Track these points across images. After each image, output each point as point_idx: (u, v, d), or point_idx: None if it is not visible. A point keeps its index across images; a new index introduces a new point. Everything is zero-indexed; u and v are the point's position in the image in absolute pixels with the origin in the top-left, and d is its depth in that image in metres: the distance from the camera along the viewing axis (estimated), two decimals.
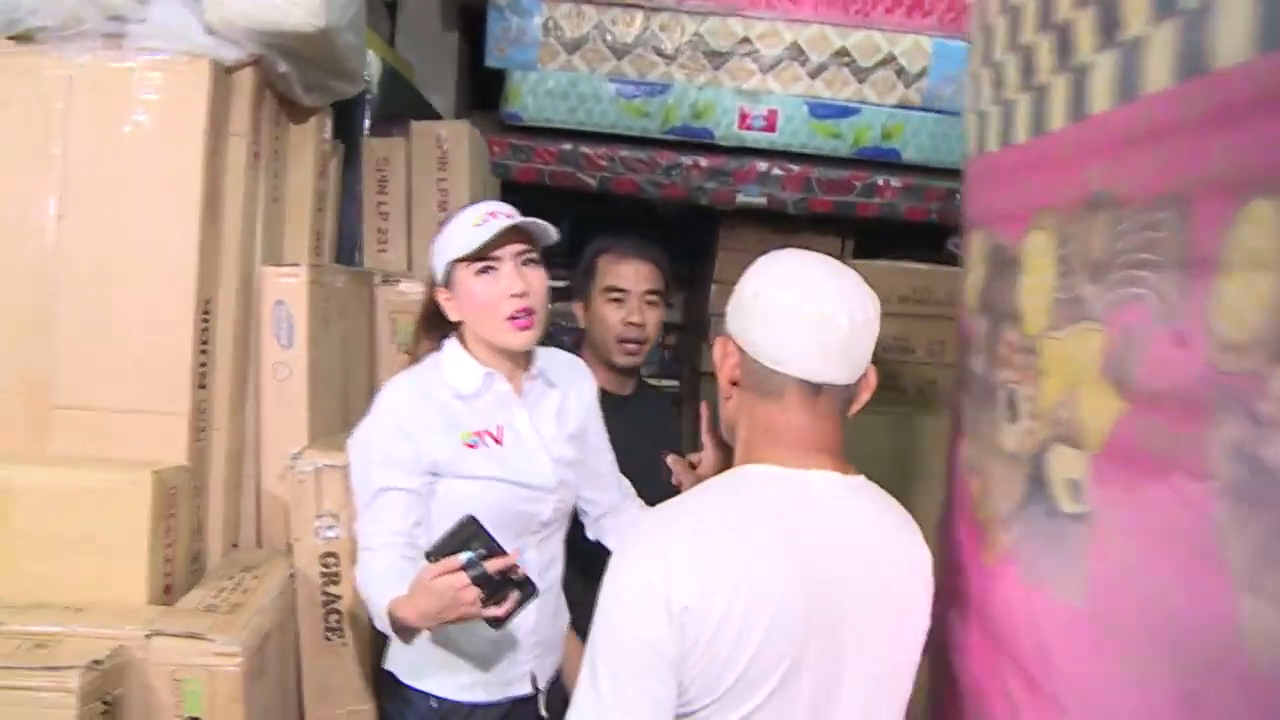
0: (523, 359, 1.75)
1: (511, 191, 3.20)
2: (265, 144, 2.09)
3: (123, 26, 1.85)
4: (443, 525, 1.51)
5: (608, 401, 1.99)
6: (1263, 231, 0.80)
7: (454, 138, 2.65)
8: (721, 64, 3.23)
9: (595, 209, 3.54)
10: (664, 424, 2.32)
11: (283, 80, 2.07)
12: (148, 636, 1.58)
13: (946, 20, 3.20)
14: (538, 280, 1.68)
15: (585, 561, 1.85)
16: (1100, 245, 1.09)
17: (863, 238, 3.69)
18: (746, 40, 3.22)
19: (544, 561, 1.76)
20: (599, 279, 2.20)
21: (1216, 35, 0.86)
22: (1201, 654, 0.91)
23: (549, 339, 1.79)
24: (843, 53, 3.22)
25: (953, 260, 3.38)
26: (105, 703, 1.49)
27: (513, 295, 1.64)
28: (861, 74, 3.24)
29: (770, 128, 3.24)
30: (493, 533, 1.47)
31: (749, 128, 3.26)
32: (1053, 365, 1.21)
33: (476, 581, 1.42)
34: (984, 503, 1.44)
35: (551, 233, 1.69)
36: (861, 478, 1.29)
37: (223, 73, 1.91)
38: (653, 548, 1.19)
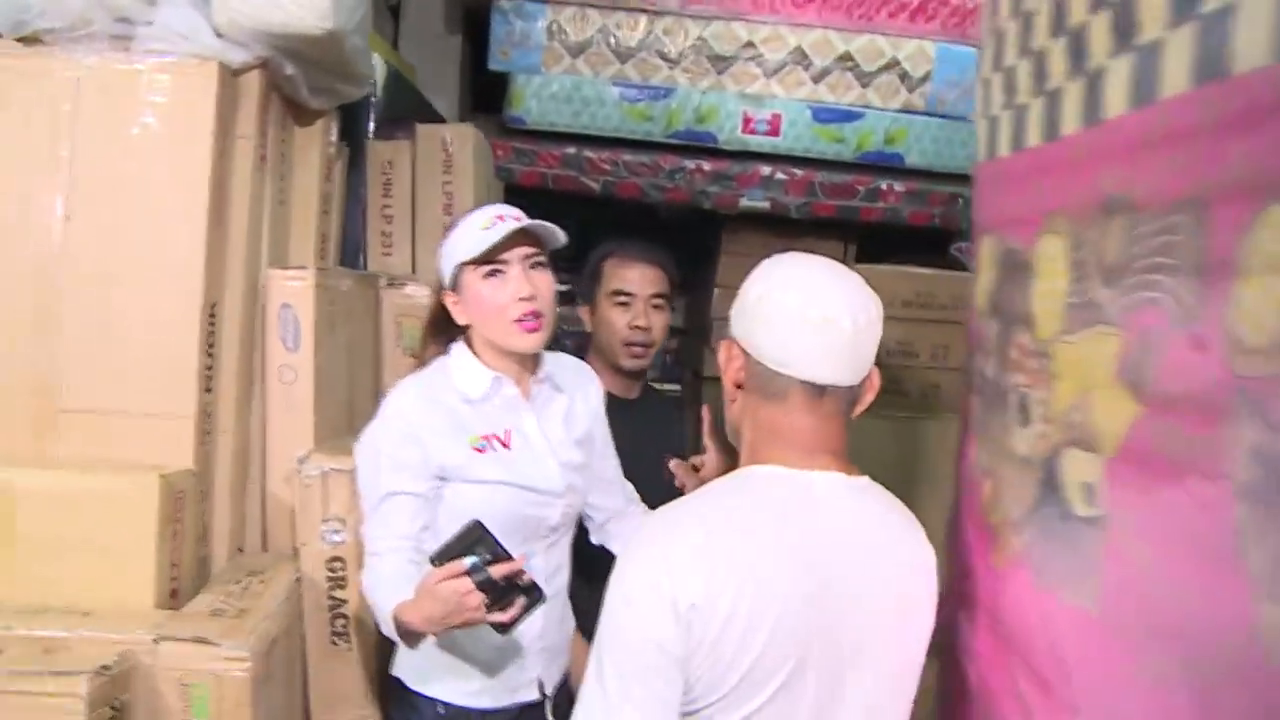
0: (530, 363, 1.74)
1: (515, 195, 3.20)
2: (271, 146, 2.09)
3: (130, 28, 1.85)
4: (449, 530, 1.50)
5: (613, 405, 1.98)
6: None
7: (459, 141, 2.65)
8: (725, 68, 3.23)
9: (597, 213, 3.54)
10: (669, 428, 2.31)
11: (289, 83, 2.07)
12: (155, 641, 1.58)
13: (950, 25, 3.20)
14: (545, 283, 1.68)
15: (590, 566, 1.84)
16: (1115, 249, 1.09)
17: (865, 242, 3.70)
18: (750, 44, 3.22)
19: (551, 567, 1.75)
20: (605, 283, 2.20)
21: (1236, 39, 0.86)
22: (1219, 658, 0.91)
23: (551, 343, 1.79)
24: (846, 57, 3.22)
25: (956, 265, 3.39)
26: (113, 708, 1.49)
27: (520, 298, 1.64)
28: (865, 79, 3.24)
29: (774, 132, 3.25)
30: (500, 537, 1.46)
31: (752, 132, 3.26)
32: (1066, 369, 1.21)
33: (481, 586, 1.40)
34: (995, 506, 1.44)
35: (559, 236, 1.69)
36: (866, 478, 1.30)
37: (230, 75, 1.91)
38: (658, 547, 1.19)
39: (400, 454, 1.62)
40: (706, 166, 3.33)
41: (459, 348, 1.73)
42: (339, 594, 1.93)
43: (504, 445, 1.68)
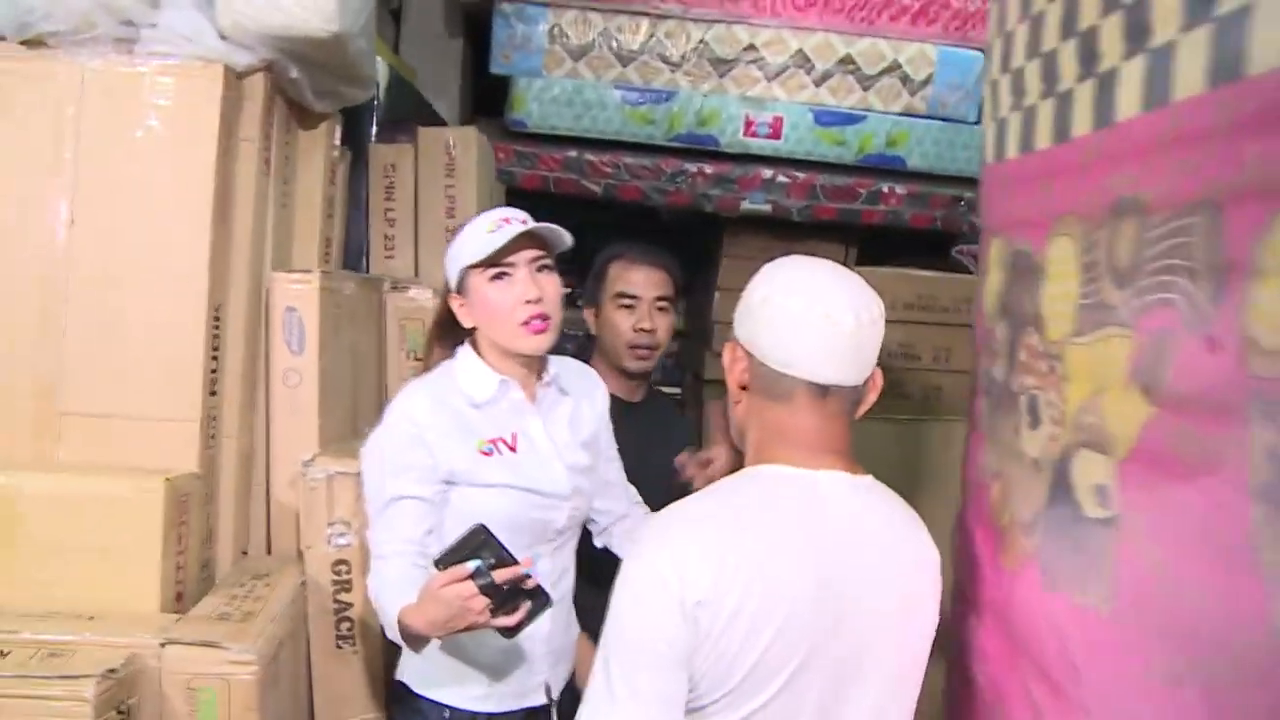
0: (536, 366, 1.74)
1: (516, 198, 3.20)
2: (275, 149, 2.09)
3: (134, 31, 1.85)
4: (455, 534, 1.49)
5: (618, 408, 1.98)
6: None
7: (462, 144, 2.65)
8: (727, 71, 3.24)
9: (598, 216, 3.54)
10: (674, 430, 2.31)
11: (294, 86, 2.07)
12: (162, 645, 1.57)
13: (951, 28, 3.21)
14: (552, 286, 1.68)
15: (595, 569, 1.84)
16: (1127, 251, 1.09)
17: (867, 245, 3.70)
18: (752, 47, 3.22)
19: (557, 570, 1.75)
20: (610, 285, 2.19)
21: (1252, 41, 0.86)
22: (1233, 658, 0.91)
23: (553, 347, 1.79)
24: (848, 60, 3.22)
25: (958, 267, 3.40)
26: (120, 712, 1.48)
27: (527, 301, 1.64)
28: (867, 82, 3.24)
29: (775, 135, 3.25)
30: (507, 541, 1.45)
31: (754, 135, 3.26)
32: (1076, 371, 1.21)
33: (485, 591, 1.39)
34: (1003, 508, 1.44)
35: (566, 239, 1.69)
36: (870, 478, 1.31)
37: (234, 78, 1.91)
38: (666, 544, 1.20)
39: (407, 457, 1.61)
40: (708, 169, 3.34)
41: (465, 351, 1.73)
42: (344, 597, 1.93)
43: (510, 449, 1.68)
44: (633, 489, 1.97)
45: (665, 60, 3.22)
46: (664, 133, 3.25)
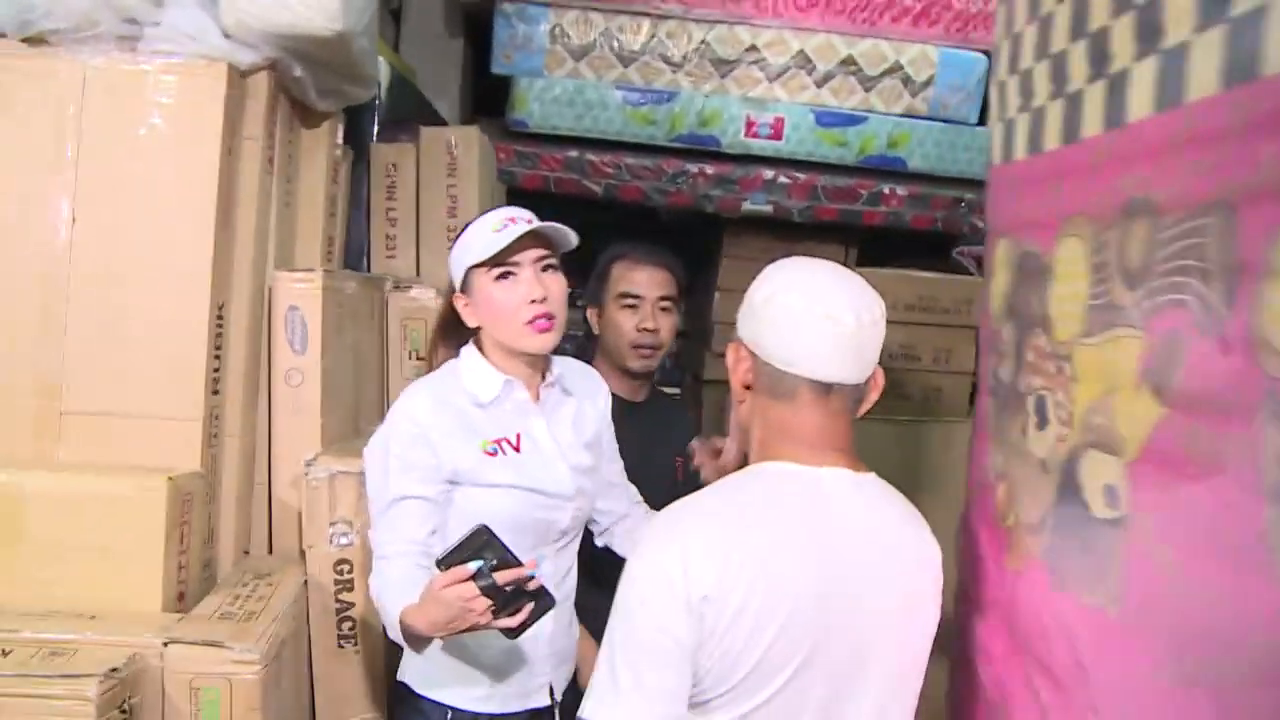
0: (540, 366, 1.74)
1: (516, 198, 3.19)
2: (279, 148, 2.08)
3: (137, 29, 1.84)
4: (458, 534, 1.49)
5: (620, 408, 1.98)
6: None
7: (464, 143, 2.64)
8: (728, 72, 3.24)
9: (599, 216, 3.54)
10: (677, 430, 2.30)
11: (297, 84, 2.06)
12: (165, 644, 1.57)
13: (953, 30, 3.21)
14: (557, 286, 1.68)
15: (597, 569, 1.84)
16: (1137, 252, 1.09)
17: (868, 246, 3.70)
18: (753, 48, 3.23)
19: (561, 571, 1.74)
20: (613, 285, 2.19)
21: (1267, 42, 0.86)
22: (1244, 659, 0.91)
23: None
24: (849, 61, 3.23)
25: (959, 269, 3.40)
26: (122, 711, 1.48)
27: (532, 301, 1.63)
28: (868, 83, 3.25)
29: (776, 136, 3.25)
30: (511, 541, 1.44)
31: (755, 135, 3.26)
32: (1086, 372, 1.21)
33: (486, 591, 1.38)
34: (1009, 509, 1.43)
35: (571, 238, 1.68)
36: (872, 475, 1.33)
37: (238, 76, 1.90)
38: (672, 540, 1.21)
39: (411, 457, 1.60)
40: (709, 170, 3.34)
41: (469, 351, 1.72)
42: (346, 596, 1.92)
43: (514, 449, 1.67)
44: (633, 488, 1.97)
45: (667, 61, 3.22)
46: (665, 133, 3.25)
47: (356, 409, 2.25)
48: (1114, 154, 1.15)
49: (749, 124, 3.25)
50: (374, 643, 1.95)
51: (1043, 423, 1.33)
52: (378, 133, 2.71)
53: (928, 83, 3.24)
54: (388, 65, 2.77)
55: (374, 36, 2.22)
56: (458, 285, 1.70)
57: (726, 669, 1.18)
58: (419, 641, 1.52)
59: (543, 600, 1.47)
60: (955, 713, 1.60)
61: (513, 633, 1.46)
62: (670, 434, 2.28)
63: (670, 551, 1.19)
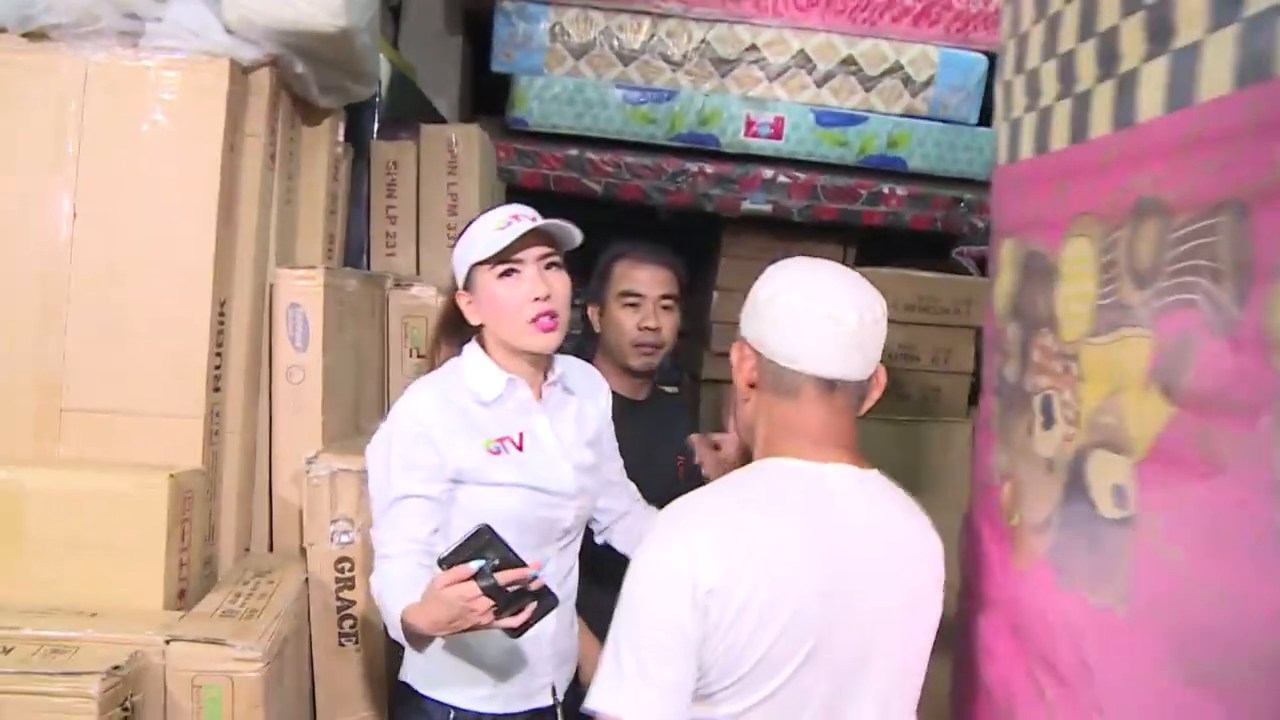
0: (543, 364, 1.73)
1: (516, 196, 3.17)
2: (281, 145, 2.08)
3: (139, 24, 1.83)
4: (461, 532, 1.48)
5: (621, 406, 1.98)
6: None
7: (465, 141, 2.64)
8: (728, 71, 3.24)
9: (598, 215, 3.53)
10: (678, 429, 2.30)
11: (299, 81, 2.06)
12: (166, 642, 1.56)
13: (953, 30, 3.22)
14: (560, 284, 1.67)
15: (595, 566, 1.84)
16: (1147, 252, 1.09)
17: (867, 246, 3.70)
18: (754, 48, 3.23)
19: (563, 571, 1.74)
20: (615, 284, 2.19)
21: None
22: (1254, 658, 0.91)
23: None
24: (849, 61, 3.23)
25: (958, 269, 3.40)
26: (124, 709, 1.47)
27: (535, 299, 1.63)
28: (868, 83, 3.25)
29: (776, 135, 3.25)
30: (515, 540, 1.43)
31: (755, 135, 3.26)
32: (1093, 371, 1.21)
33: (488, 591, 1.37)
34: (1014, 508, 1.44)
35: (575, 236, 1.68)
36: (875, 472, 1.34)
37: (240, 72, 1.89)
38: (677, 535, 1.23)
39: (414, 455, 1.60)
40: (709, 169, 3.34)
41: (472, 349, 1.72)
42: (347, 595, 1.92)
43: (517, 448, 1.67)
44: (632, 486, 1.97)
45: (667, 59, 3.22)
46: (665, 132, 3.25)
47: (357, 407, 2.24)
48: (1123, 154, 1.15)
49: (749, 123, 3.25)
50: (375, 641, 1.94)
51: (1049, 422, 1.33)
52: (378, 130, 2.70)
53: (928, 83, 3.25)
54: (388, 63, 2.76)
55: (376, 33, 2.22)
56: (460, 283, 1.70)
57: (731, 663, 1.19)
58: (420, 640, 1.51)
59: (545, 600, 1.46)
60: (959, 712, 1.60)
61: (515, 632, 1.45)
62: (672, 432, 2.27)
63: (676, 546, 1.21)
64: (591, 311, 2.26)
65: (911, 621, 1.31)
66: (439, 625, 1.43)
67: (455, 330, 1.75)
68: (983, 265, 3.39)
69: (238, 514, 1.97)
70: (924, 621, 1.33)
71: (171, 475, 1.70)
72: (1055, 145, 1.35)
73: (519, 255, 1.63)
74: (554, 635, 1.72)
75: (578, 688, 1.79)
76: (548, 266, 1.66)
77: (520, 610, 1.43)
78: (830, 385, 1.28)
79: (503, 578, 1.38)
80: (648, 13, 3.19)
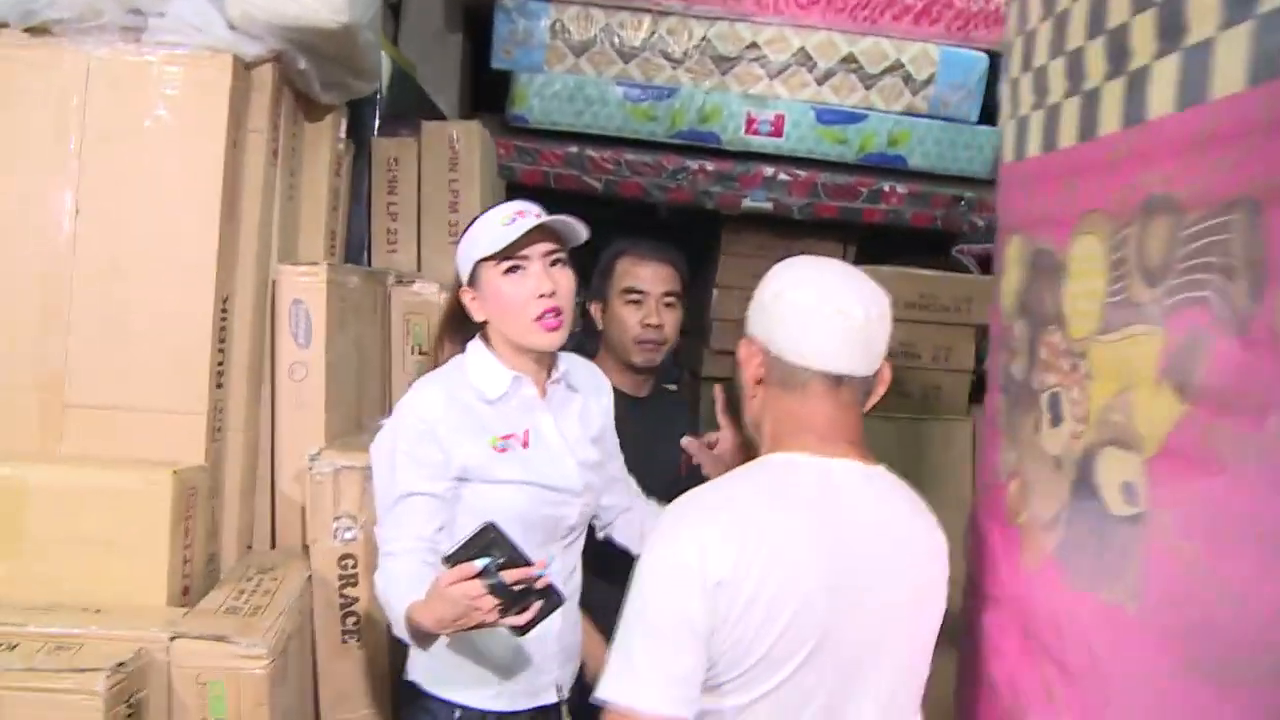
0: (547, 362, 1.73)
1: (516, 193, 3.16)
2: (283, 141, 2.07)
3: (142, 20, 1.83)
4: (467, 530, 1.47)
5: (624, 403, 1.97)
6: None
7: (466, 138, 2.63)
8: (729, 69, 3.24)
9: (598, 212, 3.53)
10: (680, 426, 2.30)
11: (301, 77, 2.05)
12: (171, 639, 1.56)
13: (954, 28, 3.22)
14: (565, 280, 1.67)
15: (598, 563, 1.84)
16: (1157, 249, 1.09)
17: (867, 244, 3.70)
18: (754, 45, 3.23)
19: (568, 568, 1.74)
20: (617, 280, 2.19)
21: None
22: (1267, 655, 0.91)
23: None
24: (850, 59, 3.23)
25: (958, 267, 3.40)
26: (129, 705, 1.47)
27: (541, 295, 1.63)
28: (869, 80, 3.25)
29: (777, 133, 3.25)
30: (521, 538, 1.42)
31: (755, 133, 3.26)
32: (1102, 369, 1.22)
33: (493, 590, 1.37)
34: (1021, 506, 1.44)
35: (581, 232, 1.68)
36: (881, 467, 1.36)
37: (243, 68, 1.89)
38: (686, 528, 1.24)
39: (419, 453, 1.59)
40: (709, 167, 3.34)
41: (476, 346, 1.71)
42: (350, 591, 1.91)
43: (523, 445, 1.67)
44: (633, 481, 1.97)
45: (667, 57, 3.22)
46: (665, 129, 3.25)
47: (359, 404, 2.24)
48: (1133, 151, 1.15)
49: (749, 121, 3.25)
50: (377, 639, 1.94)
51: (1056, 420, 1.33)
52: (379, 127, 2.69)
53: (928, 81, 3.25)
54: (388, 59, 2.76)
55: (377, 30, 2.22)
56: (465, 279, 1.69)
57: (739, 655, 1.20)
58: (425, 638, 1.51)
59: (551, 598, 1.45)
60: (964, 709, 1.60)
61: (520, 631, 1.44)
62: (674, 429, 2.26)
63: (685, 540, 1.22)
64: (594, 308, 2.26)
65: (917, 617, 1.32)
66: (444, 623, 1.42)
67: (459, 327, 1.75)
68: (983, 263, 3.39)
69: (240, 511, 1.97)
70: (929, 617, 1.34)
71: (175, 471, 1.69)
72: (1063, 143, 1.35)
73: (524, 251, 1.63)
74: (559, 632, 1.71)
75: (582, 684, 1.79)
76: (553, 263, 1.66)
77: (526, 609, 1.42)
78: (837, 381, 1.30)
79: (509, 576, 1.38)
80: (648, 10, 3.19)
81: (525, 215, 1.64)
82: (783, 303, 1.31)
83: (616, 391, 1.95)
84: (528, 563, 1.40)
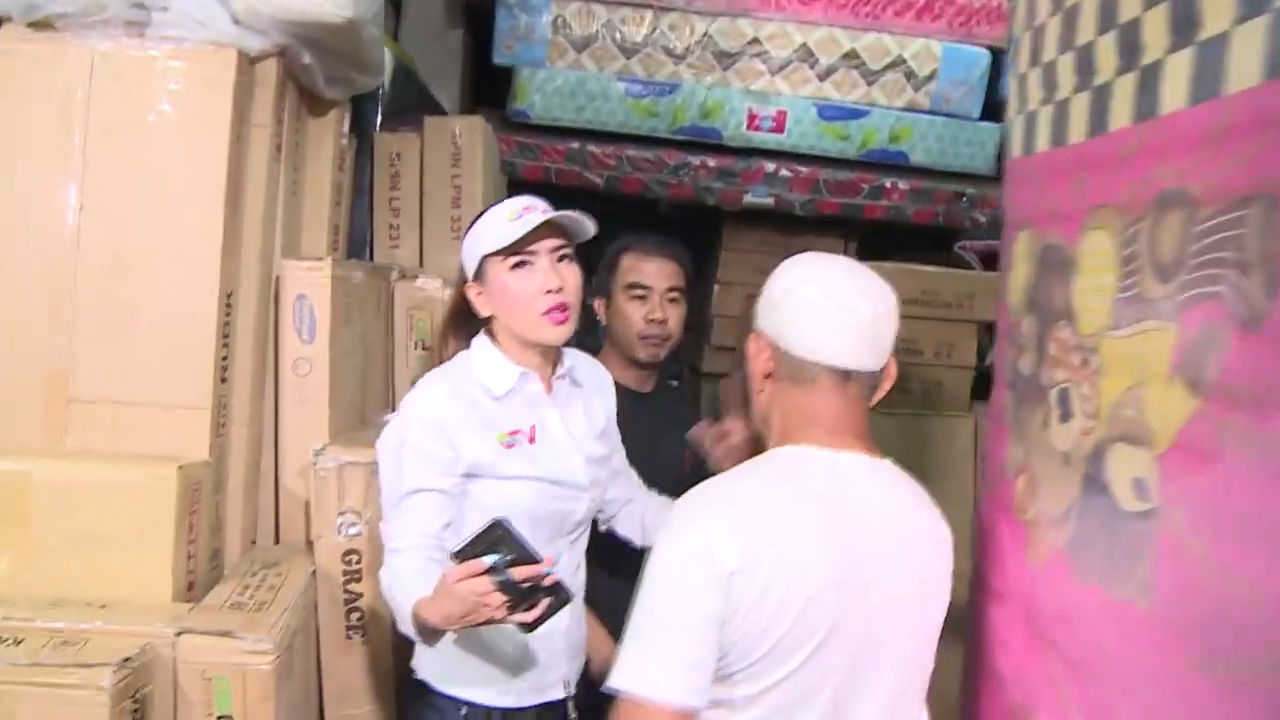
0: (553, 357, 1.73)
1: (517, 189, 3.17)
2: (287, 136, 2.07)
3: (146, 14, 1.82)
4: (474, 526, 1.47)
5: (627, 398, 1.98)
6: None
7: (468, 133, 2.63)
8: (730, 64, 3.24)
9: (599, 208, 3.52)
10: (684, 421, 2.30)
11: (305, 72, 2.05)
12: (177, 634, 1.55)
13: (956, 24, 3.22)
14: (572, 276, 1.67)
15: (602, 558, 1.84)
16: (1170, 244, 1.09)
17: (868, 240, 3.71)
18: (756, 41, 3.23)
19: (574, 564, 1.74)
20: (621, 276, 2.19)
21: None
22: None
23: None
24: (852, 55, 3.23)
25: (960, 263, 3.40)
26: (135, 700, 1.47)
27: (548, 291, 1.62)
28: (870, 76, 3.25)
29: (779, 129, 3.25)
30: (529, 534, 1.41)
31: (757, 128, 3.26)
32: (1113, 364, 1.21)
33: (501, 586, 1.36)
34: (1029, 502, 1.44)
35: (589, 227, 1.67)
36: (888, 461, 1.37)
37: (247, 63, 1.88)
38: (697, 521, 1.25)
39: (428, 449, 1.58)
40: (711, 163, 3.34)
41: (482, 342, 1.71)
42: (354, 587, 1.91)
43: (530, 441, 1.67)
44: (634, 473, 1.97)
45: (669, 53, 3.22)
46: (667, 125, 3.25)
47: (363, 399, 2.23)
48: (1145, 146, 1.15)
49: (751, 117, 3.25)
50: (382, 634, 1.94)
51: (1066, 415, 1.33)
52: (381, 122, 2.69)
53: (930, 77, 3.25)
54: (391, 55, 2.75)
55: (380, 25, 2.21)
56: (471, 274, 1.69)
57: (750, 645, 1.22)
58: (431, 634, 1.50)
59: (559, 595, 1.44)
60: (971, 702, 1.60)
61: (528, 628, 1.44)
62: (677, 425, 2.27)
63: (694, 531, 1.24)
64: (597, 304, 2.25)
65: (922, 610, 1.34)
66: (451, 620, 1.41)
67: (464, 323, 1.74)
68: (985, 259, 3.40)
69: (244, 506, 1.97)
70: (934, 610, 1.36)
71: (180, 466, 1.69)
72: (1073, 138, 1.35)
73: (532, 247, 1.62)
74: (567, 629, 1.71)
75: (588, 680, 1.79)
76: (560, 259, 1.66)
77: (534, 606, 1.41)
78: (845, 375, 1.31)
79: (517, 573, 1.37)
80: (650, 6, 3.19)
81: (533, 211, 1.63)
82: (792, 298, 1.33)
83: (620, 387, 1.95)
84: (536, 560, 1.39)
